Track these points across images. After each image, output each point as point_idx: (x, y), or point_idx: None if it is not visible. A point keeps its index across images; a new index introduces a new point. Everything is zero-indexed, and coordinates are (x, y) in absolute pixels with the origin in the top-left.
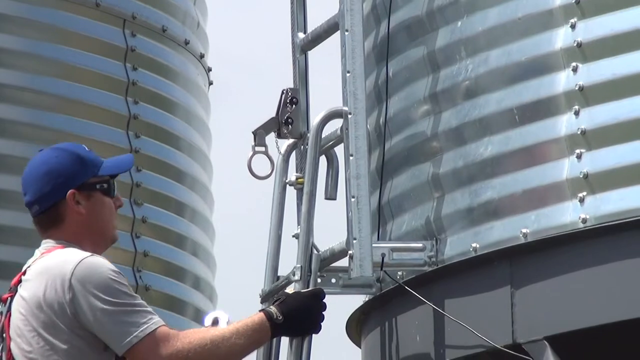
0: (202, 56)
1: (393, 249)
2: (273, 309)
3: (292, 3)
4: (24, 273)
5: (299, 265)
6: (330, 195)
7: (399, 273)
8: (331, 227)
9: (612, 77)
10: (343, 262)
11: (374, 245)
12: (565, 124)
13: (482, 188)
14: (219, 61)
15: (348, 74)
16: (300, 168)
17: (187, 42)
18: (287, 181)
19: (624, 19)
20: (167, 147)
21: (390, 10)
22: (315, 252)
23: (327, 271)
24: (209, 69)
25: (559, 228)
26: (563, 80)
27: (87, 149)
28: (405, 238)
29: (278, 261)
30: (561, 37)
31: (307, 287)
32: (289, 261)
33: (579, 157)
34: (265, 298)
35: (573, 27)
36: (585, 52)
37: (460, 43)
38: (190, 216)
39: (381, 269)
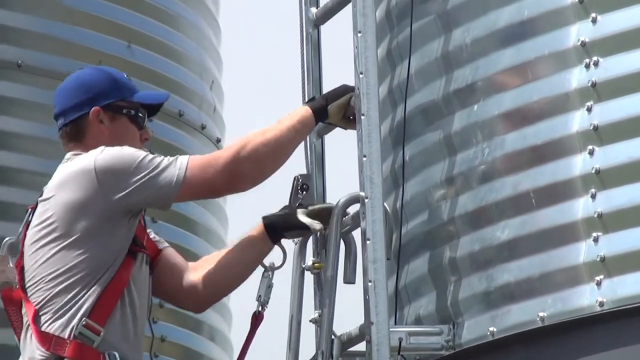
0: (218, 140)
1: (410, 333)
2: None
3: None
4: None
5: (320, 350)
6: (349, 280)
7: (417, 357)
8: (345, 309)
9: (628, 161)
10: (360, 347)
11: (391, 329)
12: (582, 207)
13: (499, 272)
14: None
15: (365, 159)
16: (317, 253)
17: (203, 127)
18: (304, 266)
19: None
20: (183, 231)
21: (407, 94)
22: (334, 337)
23: (344, 356)
24: (218, 140)
25: (576, 311)
26: (579, 164)
27: (126, 76)
28: (422, 322)
29: (299, 346)
30: (577, 120)
31: None
32: (304, 345)
33: (595, 240)
34: None
35: (589, 110)
36: (601, 135)
37: (477, 126)
38: None
39: (398, 354)
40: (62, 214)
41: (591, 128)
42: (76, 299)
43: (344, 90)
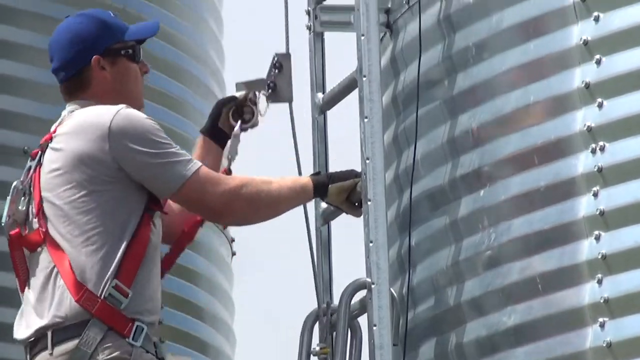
0: (225, 227)
1: None
2: None
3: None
4: (55, 131)
5: None
6: None
7: None
8: None
9: (635, 246)
10: None
11: None
12: (588, 293)
13: (506, 357)
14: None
15: (371, 244)
16: (323, 338)
17: None
18: (310, 351)
19: None
20: (189, 317)
21: (413, 179)
22: None
23: None
24: (232, 240)
25: None
26: (586, 249)
27: (112, 14)
28: None
29: None
30: (584, 205)
31: None
32: None
33: (602, 325)
34: None
35: (595, 195)
36: (607, 220)
37: (483, 212)
38: None
39: None
40: (70, 166)
41: (597, 213)
42: (100, 256)
43: (350, 174)
